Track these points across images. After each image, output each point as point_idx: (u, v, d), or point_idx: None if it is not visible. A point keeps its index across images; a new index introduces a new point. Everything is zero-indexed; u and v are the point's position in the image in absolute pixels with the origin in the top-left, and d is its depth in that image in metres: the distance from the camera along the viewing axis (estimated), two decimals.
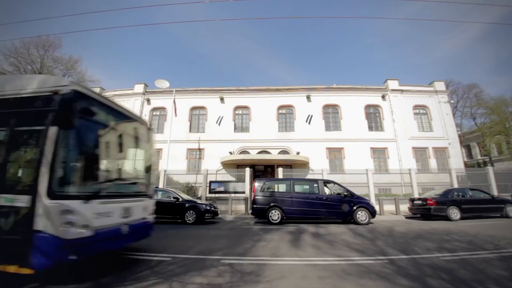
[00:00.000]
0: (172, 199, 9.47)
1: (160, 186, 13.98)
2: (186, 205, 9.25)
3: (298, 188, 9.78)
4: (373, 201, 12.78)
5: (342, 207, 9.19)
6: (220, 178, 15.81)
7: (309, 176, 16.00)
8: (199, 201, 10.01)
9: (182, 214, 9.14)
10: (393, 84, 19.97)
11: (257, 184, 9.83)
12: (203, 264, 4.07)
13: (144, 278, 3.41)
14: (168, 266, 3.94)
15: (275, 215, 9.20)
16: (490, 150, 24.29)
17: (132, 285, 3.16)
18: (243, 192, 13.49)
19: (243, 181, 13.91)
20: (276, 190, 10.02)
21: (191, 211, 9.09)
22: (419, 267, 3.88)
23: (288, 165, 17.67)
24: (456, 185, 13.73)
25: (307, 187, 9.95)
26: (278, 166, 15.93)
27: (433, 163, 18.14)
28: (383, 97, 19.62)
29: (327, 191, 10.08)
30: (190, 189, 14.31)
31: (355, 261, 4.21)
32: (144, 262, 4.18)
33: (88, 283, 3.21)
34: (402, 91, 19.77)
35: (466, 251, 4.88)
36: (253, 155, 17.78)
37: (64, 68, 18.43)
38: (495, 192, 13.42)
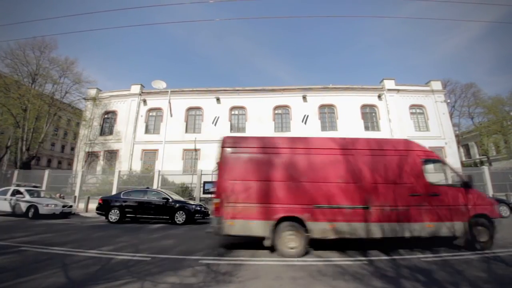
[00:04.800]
0: (162, 199, 9.46)
1: (154, 186, 13.98)
2: (176, 205, 9.24)
3: None
4: None
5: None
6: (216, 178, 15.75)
7: None
8: (190, 202, 10.01)
9: (172, 214, 9.13)
10: (389, 83, 19.90)
11: None
12: (180, 264, 4.06)
13: (118, 277, 3.40)
14: (145, 266, 3.94)
15: None
16: (488, 150, 24.18)
17: (104, 284, 3.15)
18: None
19: None
20: None
21: (181, 212, 9.09)
22: (397, 268, 3.85)
23: None
24: None
25: None
26: None
27: None
28: (379, 96, 19.56)
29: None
30: (185, 189, 14.29)
31: (333, 262, 4.19)
32: (123, 261, 4.18)
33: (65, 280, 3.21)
34: (398, 90, 19.69)
35: (449, 252, 4.85)
36: None
37: (60, 69, 18.49)
38: (490, 192, 13.33)
